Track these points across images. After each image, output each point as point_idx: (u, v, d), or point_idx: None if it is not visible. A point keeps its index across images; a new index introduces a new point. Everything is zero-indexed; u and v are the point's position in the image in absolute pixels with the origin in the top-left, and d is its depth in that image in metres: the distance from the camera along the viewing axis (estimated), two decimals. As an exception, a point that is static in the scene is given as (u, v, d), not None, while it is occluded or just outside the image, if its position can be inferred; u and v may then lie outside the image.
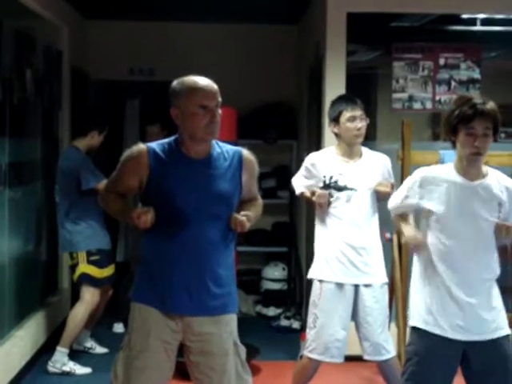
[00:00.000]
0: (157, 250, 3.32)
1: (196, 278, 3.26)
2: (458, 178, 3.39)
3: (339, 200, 4.42)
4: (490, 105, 3.31)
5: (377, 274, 4.47)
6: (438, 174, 3.45)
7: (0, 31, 5.03)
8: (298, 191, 4.63)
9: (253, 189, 3.50)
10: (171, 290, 3.27)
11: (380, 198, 4.50)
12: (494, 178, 3.40)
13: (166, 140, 3.38)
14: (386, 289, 4.54)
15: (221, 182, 3.29)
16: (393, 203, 3.70)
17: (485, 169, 3.42)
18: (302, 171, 4.62)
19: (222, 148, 3.36)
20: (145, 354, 3.28)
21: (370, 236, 4.47)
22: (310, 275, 4.54)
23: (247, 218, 3.28)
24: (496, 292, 3.44)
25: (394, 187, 4.51)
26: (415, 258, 3.55)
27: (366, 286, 4.43)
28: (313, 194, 4.41)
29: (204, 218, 3.24)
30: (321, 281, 4.46)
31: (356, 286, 4.43)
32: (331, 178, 4.43)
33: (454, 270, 3.37)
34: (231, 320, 3.38)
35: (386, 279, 4.53)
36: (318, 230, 4.55)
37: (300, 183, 4.60)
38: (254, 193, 3.53)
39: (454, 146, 3.40)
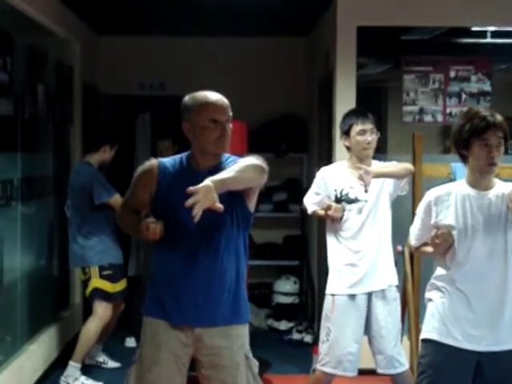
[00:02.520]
0: (164, 262, 3.35)
1: (202, 288, 3.27)
2: (471, 191, 3.39)
3: (351, 212, 4.43)
4: (498, 116, 3.35)
5: (386, 277, 4.47)
6: (451, 189, 3.46)
7: (12, 47, 5.06)
8: (310, 210, 4.63)
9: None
10: (178, 301, 3.29)
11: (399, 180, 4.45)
12: (503, 187, 3.40)
13: (179, 155, 3.41)
14: (398, 301, 4.54)
15: (221, 194, 3.22)
16: (414, 236, 3.63)
17: (494, 180, 3.43)
18: (312, 188, 4.63)
19: (231, 160, 3.35)
20: (156, 367, 3.29)
21: (382, 247, 4.47)
22: (326, 290, 4.55)
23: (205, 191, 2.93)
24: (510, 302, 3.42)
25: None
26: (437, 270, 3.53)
27: (378, 294, 4.43)
28: (328, 208, 4.40)
29: (207, 228, 3.24)
30: (333, 295, 4.47)
31: (369, 295, 4.43)
32: (342, 191, 4.45)
33: (472, 280, 3.36)
34: (242, 332, 3.37)
35: (396, 281, 4.52)
36: (330, 243, 4.55)
37: (311, 201, 4.61)
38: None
39: (463, 160, 3.41)
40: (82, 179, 5.79)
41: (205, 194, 2.91)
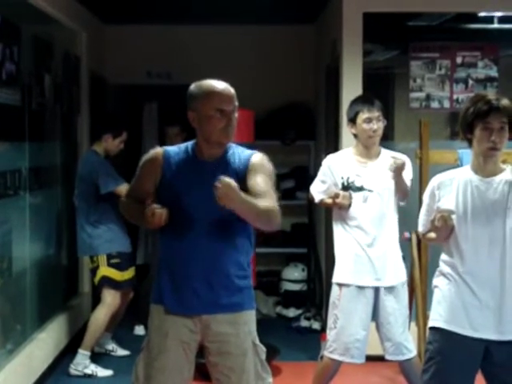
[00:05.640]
0: (168, 251, 3.37)
1: (203, 278, 3.29)
2: (474, 177, 3.39)
3: (356, 200, 4.41)
4: (505, 101, 3.34)
5: (396, 274, 4.46)
6: (454, 175, 3.47)
7: (19, 37, 5.07)
8: (317, 199, 4.62)
9: (255, 184, 3.23)
10: (179, 289, 3.31)
11: (399, 195, 4.47)
12: (510, 173, 3.40)
13: (185, 143, 3.42)
14: (405, 288, 4.54)
15: None
16: (421, 223, 3.62)
17: (503, 166, 3.43)
18: (319, 176, 4.61)
19: (236, 151, 3.35)
20: (163, 354, 3.31)
21: (388, 236, 4.46)
22: (332, 279, 4.55)
23: (231, 186, 3.00)
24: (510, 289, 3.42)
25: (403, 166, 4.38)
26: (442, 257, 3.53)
27: (386, 287, 4.43)
28: (336, 196, 4.39)
29: (210, 219, 3.26)
30: (340, 284, 4.47)
31: (376, 288, 4.43)
32: (348, 179, 4.43)
33: (473, 267, 3.37)
34: (249, 319, 3.39)
35: (405, 278, 4.53)
36: (336, 232, 4.55)
37: (318, 190, 4.60)
38: (257, 189, 3.22)
39: (470, 144, 3.41)
40: (87, 168, 5.81)
41: (227, 190, 2.98)
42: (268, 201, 3.17)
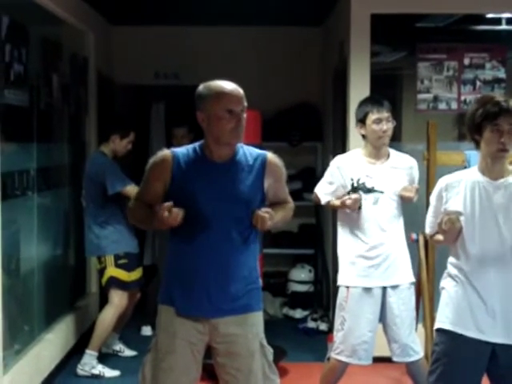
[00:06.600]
0: (179, 252, 3.37)
1: (216, 280, 3.29)
2: (481, 178, 3.39)
3: (366, 202, 4.39)
4: None
5: (403, 274, 4.46)
6: (461, 176, 3.46)
7: (27, 38, 5.08)
8: (323, 201, 4.60)
9: (279, 193, 3.50)
10: (191, 291, 3.31)
11: (403, 201, 4.49)
12: None
13: (192, 145, 3.42)
14: (412, 290, 4.53)
15: (240, 186, 3.31)
16: (428, 224, 3.63)
17: (511, 167, 3.42)
18: (325, 177, 4.60)
19: (247, 151, 3.38)
20: (171, 355, 3.32)
21: (396, 238, 4.45)
22: (338, 282, 4.55)
23: (269, 215, 3.28)
24: None
25: (418, 191, 4.49)
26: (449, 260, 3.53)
27: (393, 287, 4.43)
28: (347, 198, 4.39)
29: (223, 220, 3.27)
30: (347, 286, 4.45)
31: (383, 288, 4.43)
32: (358, 180, 4.41)
33: (480, 270, 3.36)
34: (257, 321, 3.40)
35: (412, 279, 4.52)
36: (343, 234, 4.53)
37: (324, 191, 4.58)
38: (282, 197, 3.53)
39: (477, 146, 3.41)
40: (94, 169, 5.82)
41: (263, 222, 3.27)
42: (290, 205, 3.59)
